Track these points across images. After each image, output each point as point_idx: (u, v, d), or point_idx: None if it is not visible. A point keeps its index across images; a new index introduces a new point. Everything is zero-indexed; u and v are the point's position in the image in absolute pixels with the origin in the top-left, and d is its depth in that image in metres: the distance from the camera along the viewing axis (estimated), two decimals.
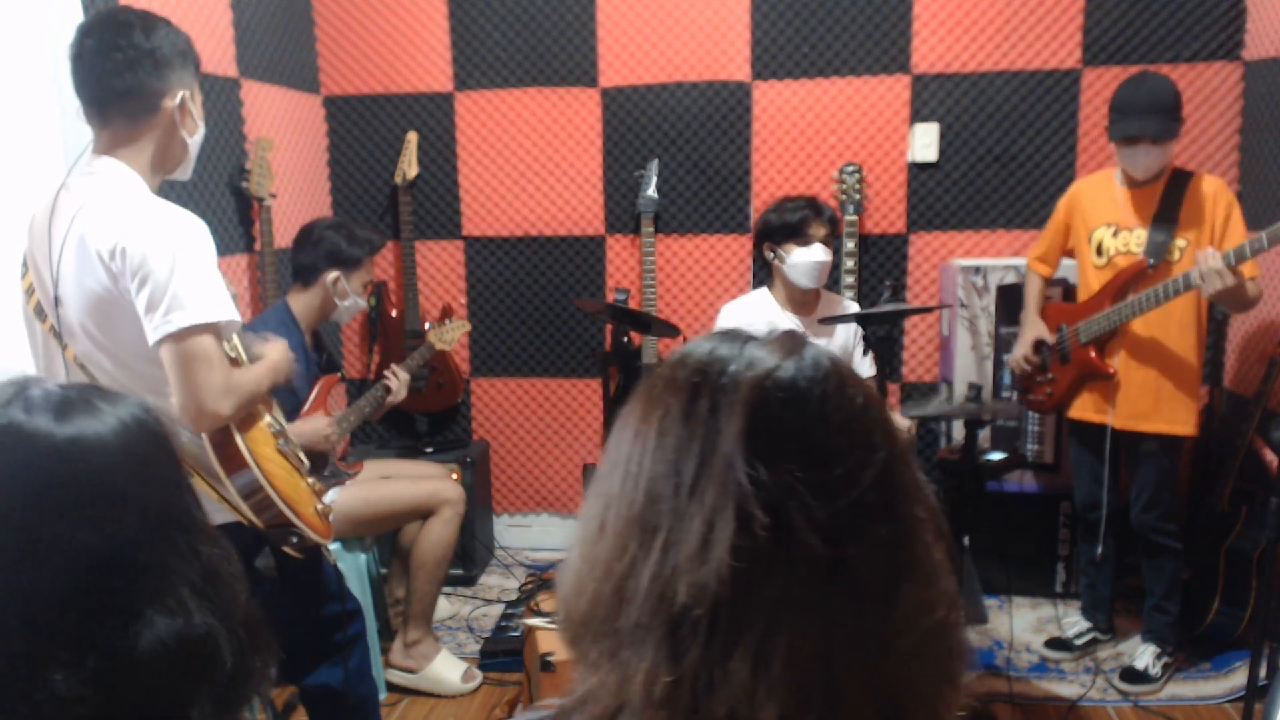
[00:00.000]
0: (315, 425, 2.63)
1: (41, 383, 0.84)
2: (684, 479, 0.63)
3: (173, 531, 0.84)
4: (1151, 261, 2.65)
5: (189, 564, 0.84)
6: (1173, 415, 2.72)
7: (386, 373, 3.03)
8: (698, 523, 0.61)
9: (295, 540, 1.82)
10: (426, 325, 3.73)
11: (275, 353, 1.89)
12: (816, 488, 0.61)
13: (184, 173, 1.87)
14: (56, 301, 1.69)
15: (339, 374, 3.03)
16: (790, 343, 0.69)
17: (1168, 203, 2.66)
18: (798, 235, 2.91)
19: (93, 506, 0.80)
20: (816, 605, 0.60)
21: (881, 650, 0.62)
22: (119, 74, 1.68)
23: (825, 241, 2.93)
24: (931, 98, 3.49)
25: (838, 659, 0.60)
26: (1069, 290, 3.13)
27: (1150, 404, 2.73)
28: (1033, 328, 2.96)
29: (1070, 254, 2.93)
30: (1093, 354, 2.78)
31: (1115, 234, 2.75)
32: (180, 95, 1.75)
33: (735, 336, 0.70)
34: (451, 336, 3.36)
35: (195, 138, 1.82)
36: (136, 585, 0.80)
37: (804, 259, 2.90)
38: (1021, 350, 2.97)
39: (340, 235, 2.86)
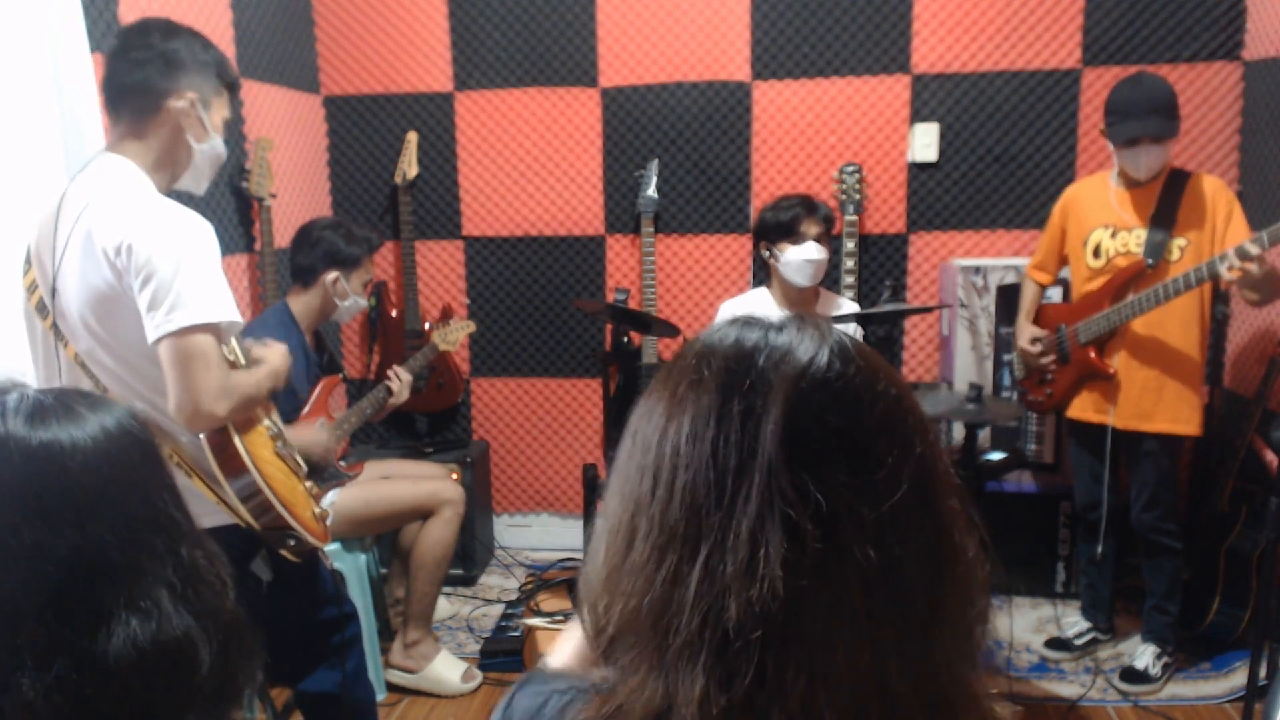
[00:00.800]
0: (314, 436, 2.63)
1: (21, 388, 0.85)
2: (724, 489, 0.59)
3: (150, 535, 0.84)
4: (1150, 261, 2.64)
5: (167, 567, 0.84)
6: (1175, 414, 2.72)
7: (389, 373, 3.03)
8: (744, 537, 0.58)
9: (292, 543, 1.82)
10: (427, 325, 3.73)
11: (275, 358, 1.90)
12: (862, 492, 0.59)
13: (195, 185, 1.89)
14: (54, 293, 1.70)
15: (340, 375, 3.03)
16: (813, 330, 0.65)
17: (1166, 202, 2.66)
18: (790, 234, 2.92)
19: (65, 510, 0.80)
20: (867, 611, 0.59)
21: (930, 647, 0.61)
22: (130, 71, 1.74)
23: (819, 239, 2.93)
24: (931, 98, 3.49)
25: (890, 663, 0.59)
26: (1070, 291, 3.13)
27: (1152, 403, 2.72)
28: (1026, 331, 2.96)
29: (1067, 259, 2.93)
30: (1093, 354, 2.78)
31: (1113, 235, 2.74)
32: (188, 98, 1.77)
33: (754, 324, 0.67)
34: (455, 337, 3.36)
35: (203, 146, 1.83)
36: (108, 588, 0.80)
37: (797, 257, 2.90)
38: (1023, 344, 2.96)
39: (338, 235, 2.86)
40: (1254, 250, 2.36)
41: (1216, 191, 2.64)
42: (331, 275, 2.83)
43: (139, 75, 1.73)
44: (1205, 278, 2.50)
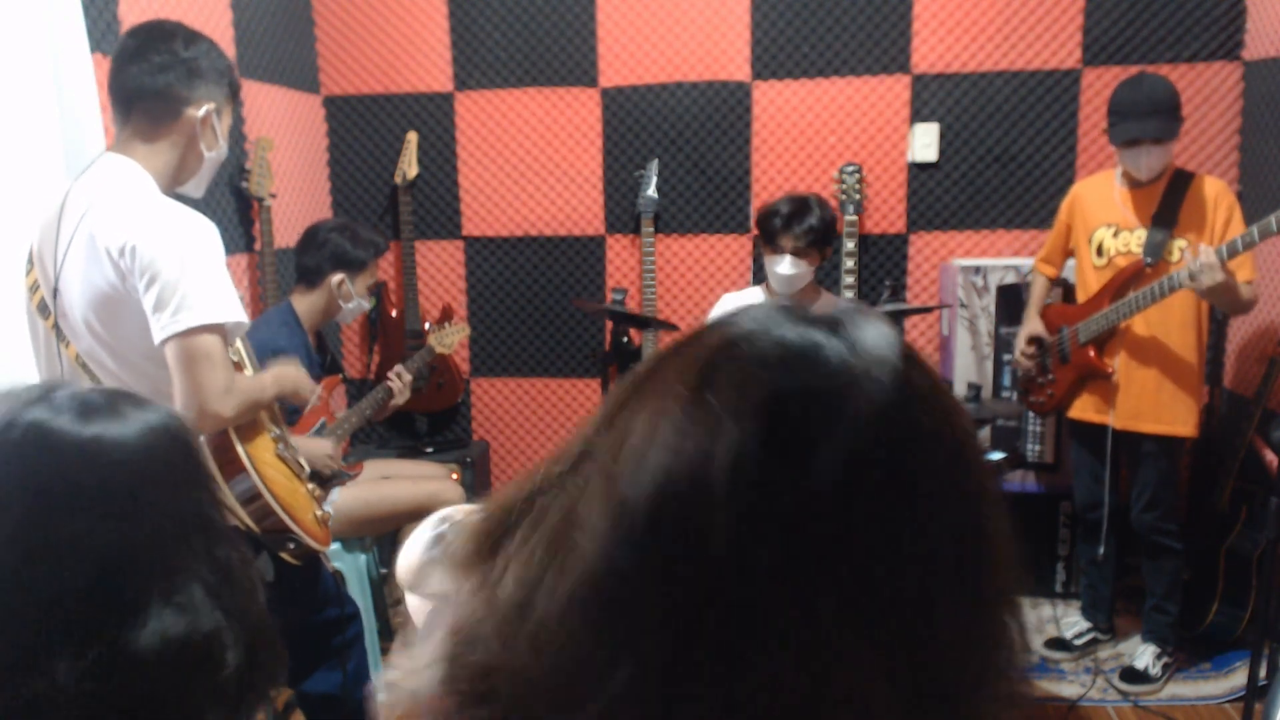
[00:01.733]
0: (316, 445, 2.63)
1: (69, 386, 0.87)
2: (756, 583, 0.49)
3: (189, 533, 0.86)
4: (1149, 261, 2.65)
5: (203, 565, 0.86)
6: (1173, 416, 2.72)
7: (390, 374, 3.03)
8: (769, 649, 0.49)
9: (293, 546, 1.82)
10: (426, 326, 3.73)
11: (285, 366, 1.91)
12: (885, 611, 0.49)
13: (196, 189, 1.90)
14: (55, 294, 1.70)
15: (341, 375, 3.03)
16: (877, 359, 0.52)
17: (1168, 203, 2.66)
18: (770, 243, 2.89)
19: (107, 504, 0.82)
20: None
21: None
22: (150, 75, 1.73)
23: (800, 254, 2.83)
24: (931, 98, 3.49)
25: None
26: (1070, 291, 3.13)
27: (1150, 404, 2.73)
28: (1030, 324, 2.98)
29: (1073, 254, 2.94)
30: (1092, 354, 2.78)
31: (1115, 234, 2.75)
32: (206, 108, 1.78)
33: (812, 329, 0.53)
34: (452, 340, 3.36)
35: (213, 154, 1.85)
36: (145, 582, 0.82)
37: (773, 268, 2.88)
38: (1019, 346, 3.00)
39: (345, 237, 2.87)
40: (1210, 259, 2.39)
41: (1219, 194, 2.64)
42: (337, 277, 2.83)
43: (161, 80, 1.74)
44: (1177, 286, 2.52)
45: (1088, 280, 2.83)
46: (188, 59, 1.76)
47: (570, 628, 0.50)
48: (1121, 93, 2.64)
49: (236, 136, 3.12)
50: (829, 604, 0.48)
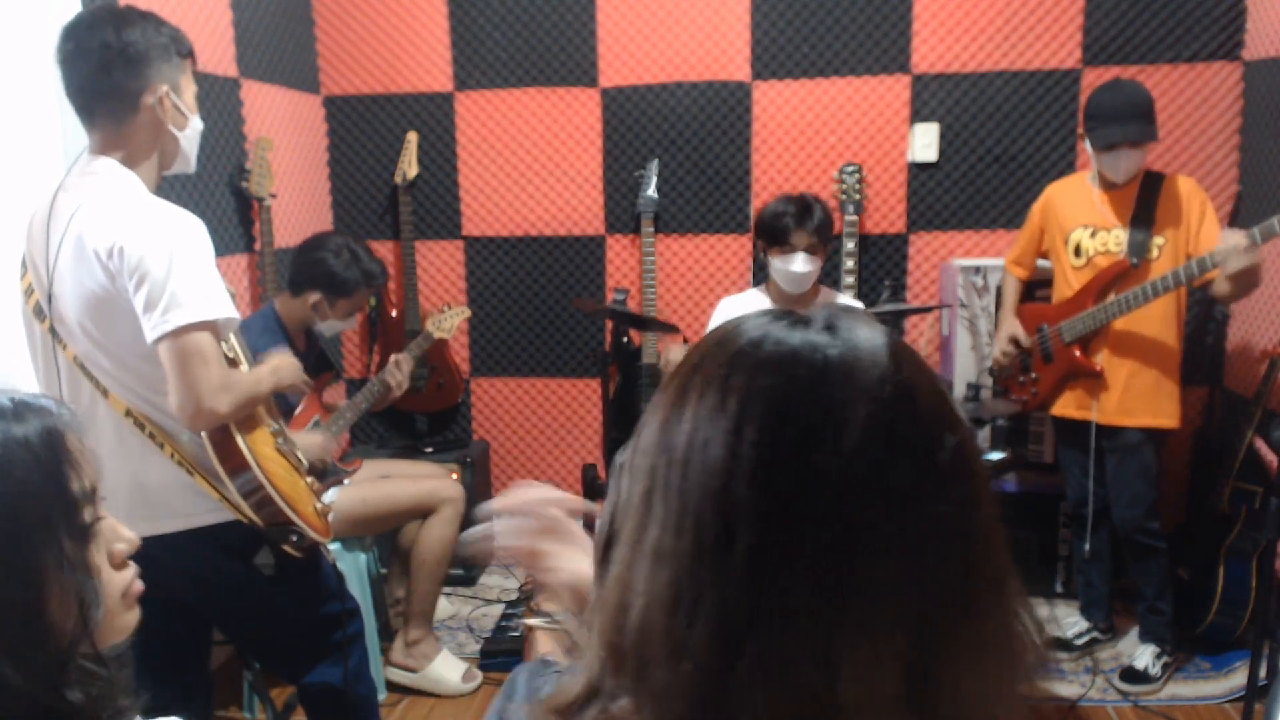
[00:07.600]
0: (311, 438, 2.62)
1: None
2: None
3: None
4: (1134, 260, 2.68)
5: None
6: (1157, 408, 2.76)
7: (392, 359, 2.98)
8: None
9: (295, 539, 1.82)
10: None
11: (277, 358, 1.91)
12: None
13: (185, 166, 1.86)
14: (50, 299, 1.70)
15: (332, 371, 3.01)
16: (875, 360, 0.56)
17: (1144, 203, 2.71)
18: (779, 243, 2.86)
19: None
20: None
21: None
22: (94, 76, 1.69)
23: (811, 250, 2.85)
24: (931, 98, 3.49)
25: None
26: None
27: (1134, 398, 2.76)
28: (1008, 325, 3.00)
29: (1044, 256, 2.96)
30: (1077, 353, 2.80)
31: (1093, 234, 2.78)
32: (161, 90, 1.73)
33: (805, 326, 0.58)
34: (450, 324, 3.31)
35: (186, 131, 1.81)
36: None
37: (784, 267, 2.86)
38: (999, 346, 3.02)
39: (338, 259, 2.76)
40: (1239, 242, 2.40)
41: (1191, 191, 2.70)
42: (315, 296, 2.75)
43: (106, 79, 1.68)
44: (1195, 274, 2.53)
45: (1067, 280, 2.85)
46: (122, 46, 1.67)
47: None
48: (1100, 98, 2.68)
49: (237, 136, 3.12)
50: (830, 595, 0.51)
